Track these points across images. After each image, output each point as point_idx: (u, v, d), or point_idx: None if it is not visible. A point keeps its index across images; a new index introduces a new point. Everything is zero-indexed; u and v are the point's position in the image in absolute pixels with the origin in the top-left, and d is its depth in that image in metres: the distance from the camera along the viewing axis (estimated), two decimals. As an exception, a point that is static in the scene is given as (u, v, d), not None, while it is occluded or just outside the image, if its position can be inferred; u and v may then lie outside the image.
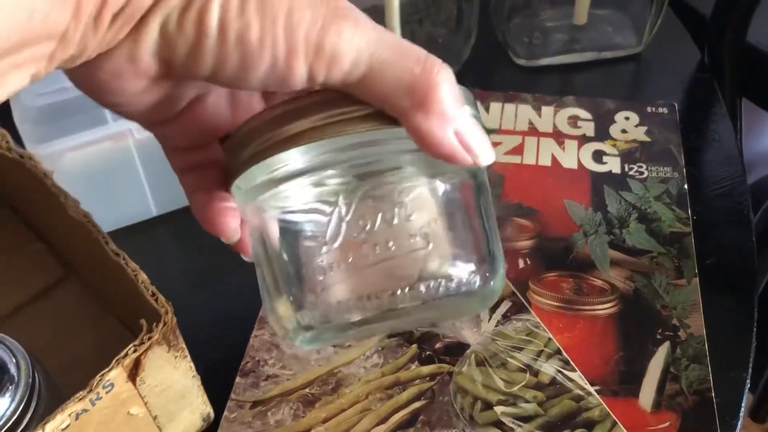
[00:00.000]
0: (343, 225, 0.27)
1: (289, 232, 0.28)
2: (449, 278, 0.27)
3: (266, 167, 0.26)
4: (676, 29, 0.72)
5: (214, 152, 0.30)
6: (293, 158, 0.26)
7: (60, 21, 0.20)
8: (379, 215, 0.27)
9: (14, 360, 0.35)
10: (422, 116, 0.24)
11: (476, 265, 0.28)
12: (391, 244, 0.27)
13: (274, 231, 0.28)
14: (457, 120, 0.25)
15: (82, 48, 0.22)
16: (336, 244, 0.27)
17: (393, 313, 0.27)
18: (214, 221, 0.30)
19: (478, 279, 0.28)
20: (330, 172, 0.26)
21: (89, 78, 0.24)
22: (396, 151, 0.26)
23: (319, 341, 0.29)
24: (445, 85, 0.25)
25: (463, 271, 0.27)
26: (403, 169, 0.27)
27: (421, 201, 0.27)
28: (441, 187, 0.28)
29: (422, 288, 0.27)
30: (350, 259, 0.27)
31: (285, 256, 0.28)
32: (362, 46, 0.23)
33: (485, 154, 0.26)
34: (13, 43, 0.20)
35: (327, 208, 0.27)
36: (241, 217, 0.30)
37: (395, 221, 0.27)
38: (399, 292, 0.27)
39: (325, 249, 0.27)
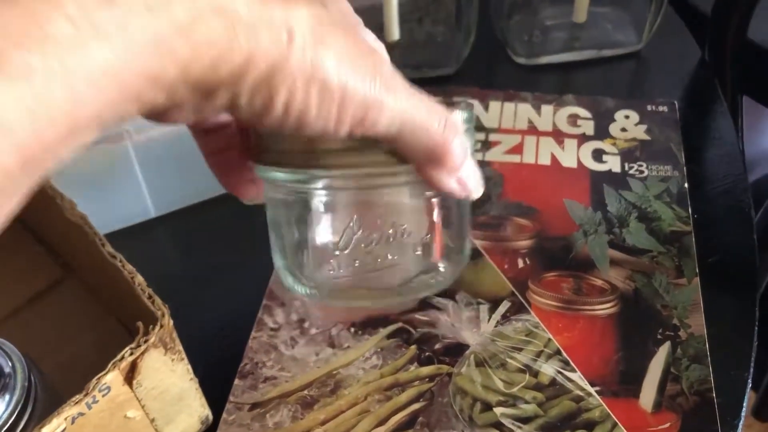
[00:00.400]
0: (354, 239, 0.33)
1: (305, 218, 0.34)
2: (436, 276, 0.36)
3: (292, 174, 0.32)
4: (677, 26, 0.72)
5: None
6: (317, 174, 0.31)
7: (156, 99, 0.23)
8: (383, 233, 0.33)
9: (10, 363, 0.35)
10: (435, 169, 0.30)
11: (455, 263, 0.36)
12: (390, 256, 0.34)
13: (290, 214, 0.34)
14: (460, 170, 0.31)
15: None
16: (346, 252, 0.33)
17: (383, 301, 0.38)
18: (234, 188, 0.34)
19: (456, 272, 0.36)
20: (348, 192, 0.33)
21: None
22: (402, 181, 0.32)
23: (308, 296, 0.36)
24: (458, 147, 0.30)
25: (446, 270, 0.36)
26: (405, 195, 0.34)
27: (416, 221, 0.34)
28: (434, 205, 0.34)
29: (412, 285, 0.35)
30: (356, 264, 0.34)
31: (297, 235, 0.35)
32: (397, 114, 0.27)
33: (477, 189, 0.32)
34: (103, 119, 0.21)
35: (340, 222, 0.33)
36: (259, 178, 0.34)
37: (395, 238, 0.33)
38: (393, 288, 0.35)
39: (336, 252, 0.34)
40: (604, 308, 0.47)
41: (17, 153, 0.19)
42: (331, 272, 0.34)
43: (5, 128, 0.19)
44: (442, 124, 0.29)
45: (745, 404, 0.43)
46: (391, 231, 0.33)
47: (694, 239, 0.51)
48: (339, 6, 0.28)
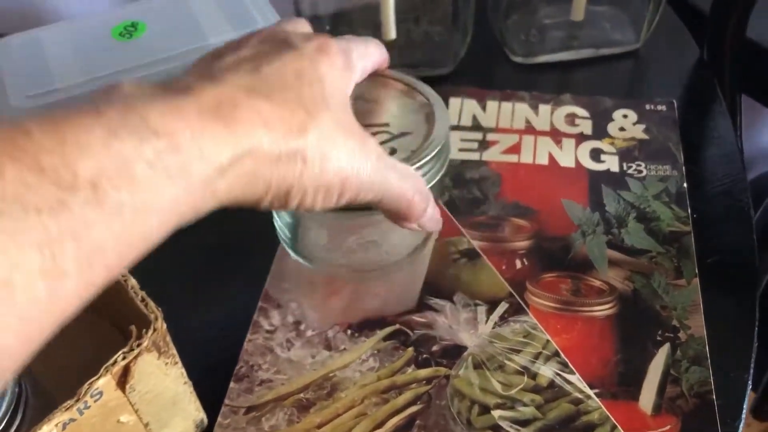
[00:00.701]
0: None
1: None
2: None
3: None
4: (675, 25, 0.71)
5: None
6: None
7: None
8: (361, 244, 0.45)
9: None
10: (402, 220, 0.37)
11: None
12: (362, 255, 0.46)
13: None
14: (422, 219, 0.38)
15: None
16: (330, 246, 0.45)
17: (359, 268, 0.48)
18: None
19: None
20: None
21: None
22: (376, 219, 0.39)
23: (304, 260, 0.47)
24: (422, 204, 0.37)
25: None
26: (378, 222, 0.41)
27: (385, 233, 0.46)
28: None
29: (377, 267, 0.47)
30: (337, 251, 0.47)
31: (289, 221, 0.47)
32: (381, 190, 0.34)
33: (435, 228, 0.40)
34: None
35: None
36: None
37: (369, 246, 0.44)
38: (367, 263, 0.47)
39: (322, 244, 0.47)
40: (603, 309, 0.46)
41: (103, 272, 0.23)
42: (316, 253, 0.47)
43: (100, 249, 0.23)
44: (414, 192, 0.36)
45: (745, 406, 0.42)
46: (364, 240, 0.46)
47: (693, 239, 0.50)
48: (339, 100, 0.33)
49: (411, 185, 0.36)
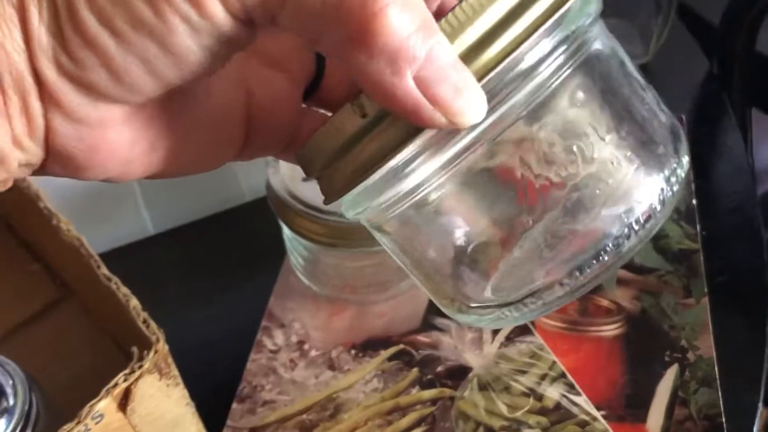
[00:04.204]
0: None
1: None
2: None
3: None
4: (684, 38, 0.71)
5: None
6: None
7: None
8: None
9: (11, 382, 0.35)
10: (364, 57, 0.18)
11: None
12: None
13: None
14: (418, 58, 0.18)
15: None
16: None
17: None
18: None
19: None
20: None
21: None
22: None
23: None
24: (394, 6, 0.17)
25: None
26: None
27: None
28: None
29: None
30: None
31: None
32: None
33: (468, 108, 0.19)
34: None
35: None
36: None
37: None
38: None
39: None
40: (611, 329, 0.46)
41: None
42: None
43: None
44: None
45: (755, 429, 0.42)
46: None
47: (702, 257, 0.50)
48: None
49: None
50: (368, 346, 0.46)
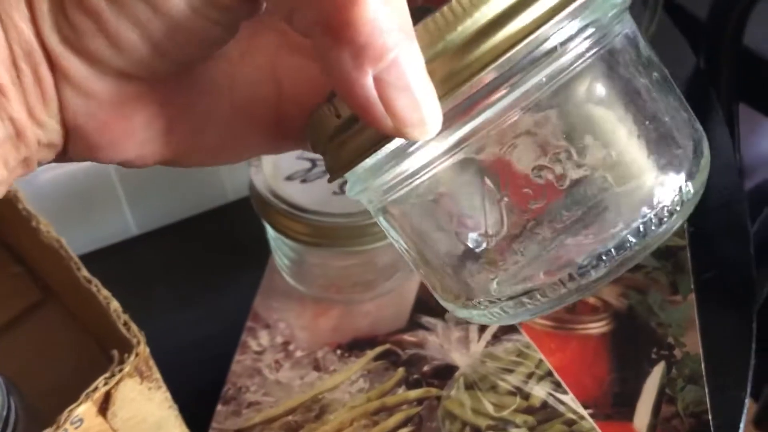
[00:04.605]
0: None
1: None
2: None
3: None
4: (671, 33, 0.70)
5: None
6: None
7: None
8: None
9: (-11, 387, 0.34)
10: (330, 43, 0.17)
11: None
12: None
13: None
14: (384, 59, 0.17)
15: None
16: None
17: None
18: None
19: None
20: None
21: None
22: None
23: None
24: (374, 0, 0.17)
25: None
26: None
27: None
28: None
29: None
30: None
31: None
32: None
33: (420, 122, 0.18)
34: None
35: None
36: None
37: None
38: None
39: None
40: (597, 327, 0.46)
41: None
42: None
43: None
44: None
45: (742, 425, 0.42)
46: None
47: (689, 254, 0.50)
48: None
49: None
50: (354, 346, 0.45)
